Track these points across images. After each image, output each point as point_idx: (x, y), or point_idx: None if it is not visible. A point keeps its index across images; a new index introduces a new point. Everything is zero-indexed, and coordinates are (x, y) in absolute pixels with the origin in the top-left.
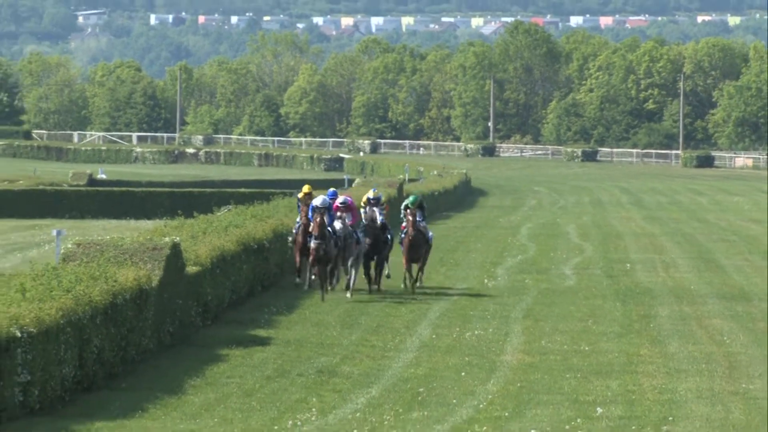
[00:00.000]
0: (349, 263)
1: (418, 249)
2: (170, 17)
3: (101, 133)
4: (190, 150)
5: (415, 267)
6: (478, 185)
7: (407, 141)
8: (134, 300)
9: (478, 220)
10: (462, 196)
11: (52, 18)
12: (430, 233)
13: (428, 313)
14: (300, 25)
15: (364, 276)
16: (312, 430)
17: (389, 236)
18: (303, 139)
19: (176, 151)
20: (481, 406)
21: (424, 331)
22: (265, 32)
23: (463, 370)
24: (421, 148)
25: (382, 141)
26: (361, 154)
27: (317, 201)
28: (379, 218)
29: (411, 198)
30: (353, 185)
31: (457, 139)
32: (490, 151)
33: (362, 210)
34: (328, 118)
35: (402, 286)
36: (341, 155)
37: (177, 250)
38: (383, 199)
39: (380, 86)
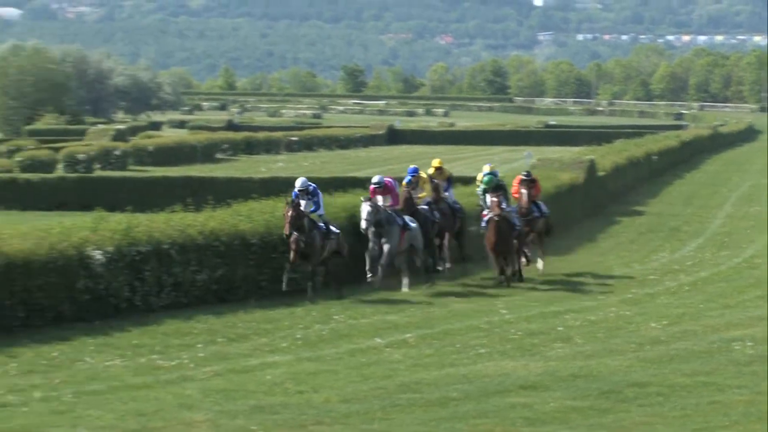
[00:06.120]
0: (391, 255)
1: (504, 238)
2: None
3: (550, 99)
4: (600, 108)
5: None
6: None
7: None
8: (569, 191)
9: None
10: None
11: (515, 35)
12: (516, 219)
13: (730, 196)
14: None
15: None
16: (666, 262)
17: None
18: (661, 103)
19: (592, 109)
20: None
21: (729, 208)
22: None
23: (750, 230)
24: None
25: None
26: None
27: (298, 183)
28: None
29: (486, 179)
30: (689, 128)
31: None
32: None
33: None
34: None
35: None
36: (681, 111)
37: (593, 163)
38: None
39: None
